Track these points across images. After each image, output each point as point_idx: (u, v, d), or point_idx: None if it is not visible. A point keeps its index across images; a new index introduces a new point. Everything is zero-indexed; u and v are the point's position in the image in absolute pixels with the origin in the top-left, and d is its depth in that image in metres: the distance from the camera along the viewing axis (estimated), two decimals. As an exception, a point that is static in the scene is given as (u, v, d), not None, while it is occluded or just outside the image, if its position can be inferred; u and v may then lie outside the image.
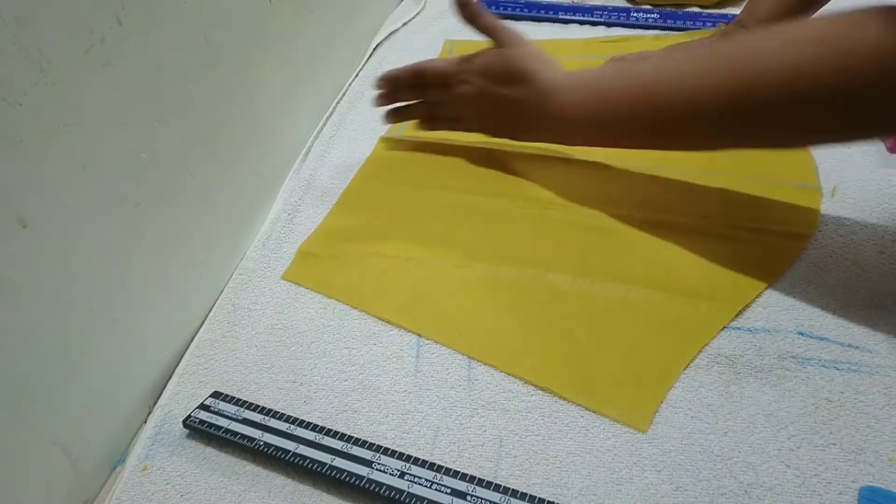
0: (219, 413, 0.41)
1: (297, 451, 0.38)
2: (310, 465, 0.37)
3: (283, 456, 0.38)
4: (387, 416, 0.41)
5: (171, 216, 0.44)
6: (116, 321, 0.40)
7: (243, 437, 0.39)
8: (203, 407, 0.41)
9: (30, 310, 0.34)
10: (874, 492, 0.34)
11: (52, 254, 0.35)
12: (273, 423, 0.40)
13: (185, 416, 0.41)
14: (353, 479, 0.36)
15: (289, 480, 0.39)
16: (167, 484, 0.39)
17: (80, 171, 0.36)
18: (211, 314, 0.48)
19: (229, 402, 0.42)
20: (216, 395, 0.42)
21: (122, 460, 0.41)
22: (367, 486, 0.36)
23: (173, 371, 0.45)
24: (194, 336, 0.47)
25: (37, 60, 0.32)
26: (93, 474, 0.40)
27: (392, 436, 0.40)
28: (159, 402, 0.44)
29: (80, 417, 0.39)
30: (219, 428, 0.40)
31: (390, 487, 0.36)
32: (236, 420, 0.40)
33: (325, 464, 0.37)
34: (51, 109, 0.34)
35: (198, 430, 0.40)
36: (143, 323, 0.43)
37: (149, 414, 0.43)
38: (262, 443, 0.39)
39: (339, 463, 0.37)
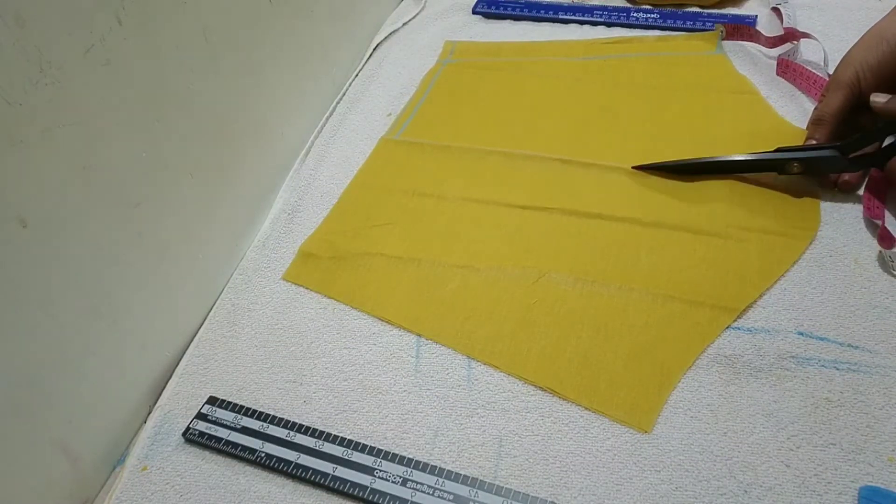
0: (216, 422, 0.41)
1: (299, 461, 0.38)
2: (312, 476, 0.38)
3: (284, 468, 0.38)
4: (386, 417, 0.41)
5: (171, 216, 0.44)
6: (116, 321, 0.40)
7: (244, 448, 0.39)
8: (200, 416, 0.41)
9: (30, 310, 0.34)
10: (874, 492, 0.34)
11: (52, 254, 0.35)
12: (272, 430, 0.40)
13: (185, 428, 0.41)
14: (357, 489, 0.37)
15: (288, 481, 0.39)
16: (167, 484, 0.39)
17: (80, 171, 0.36)
18: (211, 314, 0.48)
19: (226, 408, 0.42)
20: (212, 400, 0.42)
21: (121, 460, 0.41)
22: (370, 496, 0.37)
23: (173, 371, 0.45)
24: (194, 336, 0.47)
25: (37, 60, 0.33)
26: (93, 474, 0.40)
27: (392, 436, 0.40)
28: (159, 402, 0.44)
29: (80, 417, 0.39)
30: (219, 440, 0.40)
31: (394, 497, 0.36)
32: (235, 429, 0.40)
33: (328, 474, 0.38)
34: (51, 109, 0.34)
35: (198, 443, 0.41)
36: (143, 323, 0.43)
37: (148, 414, 0.43)
38: (262, 454, 0.39)
39: (341, 472, 0.38)
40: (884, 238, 0.44)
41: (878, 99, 0.46)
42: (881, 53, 0.45)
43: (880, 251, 0.44)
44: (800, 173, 0.48)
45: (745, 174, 0.50)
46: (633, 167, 0.52)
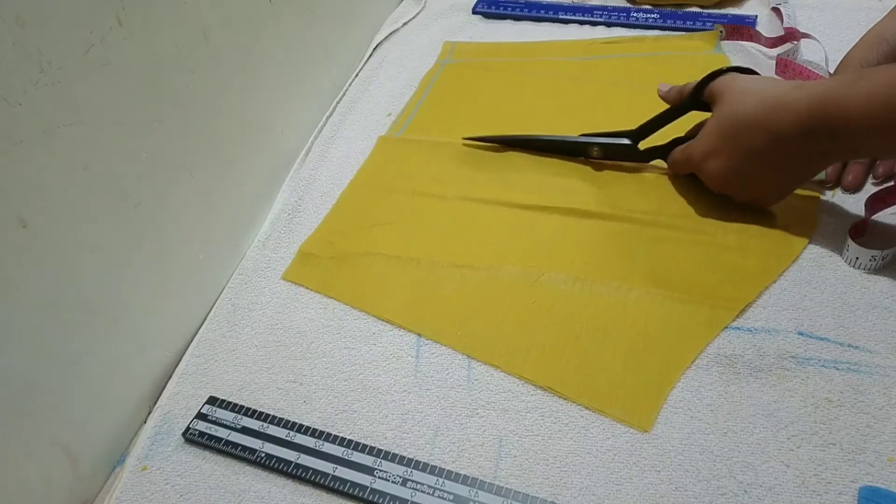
0: (216, 422, 0.41)
1: (299, 461, 0.38)
2: (312, 476, 0.38)
3: (284, 468, 0.38)
4: (386, 417, 0.41)
5: (171, 216, 0.44)
6: (116, 321, 0.40)
7: (244, 448, 0.39)
8: (200, 416, 0.41)
9: (30, 310, 0.34)
10: (874, 492, 0.34)
11: (52, 254, 0.35)
12: (272, 430, 0.40)
13: (185, 428, 0.41)
14: (357, 489, 0.37)
15: (288, 481, 0.39)
16: (166, 484, 0.39)
17: (80, 171, 0.36)
18: (211, 314, 0.48)
19: (226, 408, 0.42)
20: (212, 400, 0.42)
21: (121, 460, 0.41)
22: (370, 496, 0.37)
23: (173, 371, 0.45)
24: (194, 336, 0.47)
25: (37, 60, 0.33)
26: (92, 474, 0.40)
27: (392, 436, 0.40)
28: (159, 403, 0.44)
29: (80, 417, 0.39)
30: (219, 440, 0.40)
31: (394, 497, 0.36)
32: (235, 429, 0.40)
33: (328, 474, 0.38)
34: (51, 109, 0.34)
35: (198, 443, 0.41)
36: (143, 323, 0.43)
37: (148, 414, 0.43)
38: (262, 454, 0.39)
39: (341, 472, 0.38)
40: (858, 228, 0.44)
41: (662, 87, 0.52)
42: (881, 53, 0.45)
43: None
44: (600, 158, 0.52)
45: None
46: (463, 138, 0.57)
